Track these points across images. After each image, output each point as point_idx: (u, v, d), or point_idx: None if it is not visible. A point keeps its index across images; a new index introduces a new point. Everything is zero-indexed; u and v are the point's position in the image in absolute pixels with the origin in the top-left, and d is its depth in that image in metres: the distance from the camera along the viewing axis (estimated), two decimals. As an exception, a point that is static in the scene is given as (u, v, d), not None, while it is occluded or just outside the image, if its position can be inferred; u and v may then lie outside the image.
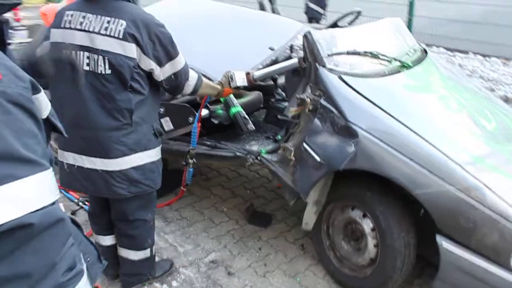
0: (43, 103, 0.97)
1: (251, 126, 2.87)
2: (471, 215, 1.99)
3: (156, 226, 3.09)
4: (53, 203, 0.88)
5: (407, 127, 2.11)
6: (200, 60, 3.11)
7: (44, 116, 0.97)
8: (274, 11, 4.58)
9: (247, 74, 2.50)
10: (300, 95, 2.29)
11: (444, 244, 2.06)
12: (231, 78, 2.46)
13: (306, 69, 2.32)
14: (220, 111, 2.95)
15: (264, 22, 3.81)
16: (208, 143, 2.86)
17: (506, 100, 5.20)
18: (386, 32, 2.92)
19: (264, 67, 2.95)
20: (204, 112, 2.85)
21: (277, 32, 3.63)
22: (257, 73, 2.52)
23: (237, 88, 2.52)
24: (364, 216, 2.33)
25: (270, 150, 2.61)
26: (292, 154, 2.39)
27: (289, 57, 3.22)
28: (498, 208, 1.99)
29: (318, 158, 2.22)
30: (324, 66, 2.26)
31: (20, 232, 0.80)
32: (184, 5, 4.00)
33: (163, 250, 2.84)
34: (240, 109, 2.89)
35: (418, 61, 2.81)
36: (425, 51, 3.06)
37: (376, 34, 2.75)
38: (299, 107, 2.31)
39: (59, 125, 1.03)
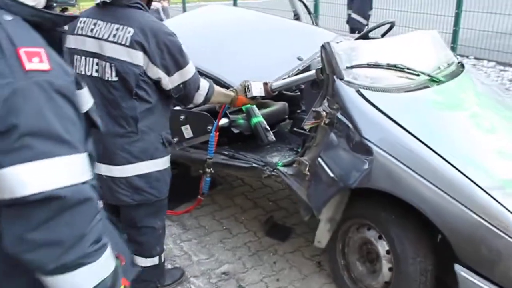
0: (85, 98, 1.12)
1: (271, 137, 2.81)
2: (494, 245, 1.83)
3: (173, 233, 3.11)
4: (84, 183, 1.00)
5: (428, 146, 1.97)
6: (225, 67, 3.11)
7: (85, 110, 1.10)
8: (312, 21, 4.49)
9: (265, 84, 2.44)
10: (316, 108, 2.21)
11: (463, 274, 1.91)
12: (248, 88, 2.41)
13: (324, 81, 2.23)
14: (241, 121, 2.92)
15: (295, 31, 3.75)
16: (226, 152, 2.83)
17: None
18: (418, 45, 2.77)
19: (289, 77, 2.91)
20: (224, 121, 2.82)
21: (308, 42, 3.56)
22: (276, 84, 2.46)
23: (253, 98, 2.47)
24: (380, 237, 2.20)
25: (287, 163, 2.53)
26: (307, 169, 2.31)
27: None
28: (526, 238, 1.83)
29: (331, 174, 2.13)
30: (341, 78, 2.16)
31: (55, 203, 0.94)
32: (216, 13, 4.02)
33: (177, 258, 2.83)
34: (261, 119, 2.84)
35: (452, 75, 2.64)
36: (462, 66, 2.88)
37: (406, 46, 2.62)
38: (315, 120, 2.22)
39: (98, 120, 1.18)
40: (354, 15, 7.13)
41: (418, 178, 1.91)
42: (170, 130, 2.93)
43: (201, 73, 2.99)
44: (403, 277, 2.06)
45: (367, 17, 7.12)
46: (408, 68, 2.36)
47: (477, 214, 1.84)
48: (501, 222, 1.83)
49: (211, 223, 3.23)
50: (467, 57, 7.24)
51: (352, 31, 7.10)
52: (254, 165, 2.65)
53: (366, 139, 2.01)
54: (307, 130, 2.33)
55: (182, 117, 2.86)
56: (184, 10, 10.41)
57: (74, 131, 0.99)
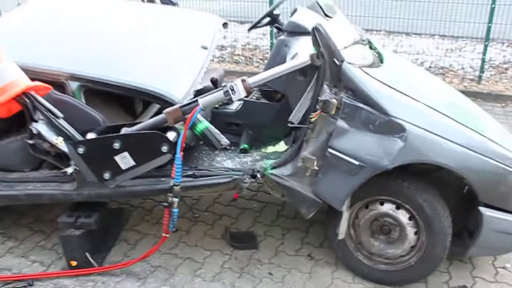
0: None
1: (225, 140, 2.47)
2: (509, 180, 2.08)
3: (134, 290, 2.52)
4: None
5: (439, 111, 2.09)
6: (132, 71, 2.56)
7: None
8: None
9: (243, 81, 2.09)
10: (323, 97, 2.04)
11: (487, 213, 2.13)
12: (232, 90, 2.03)
13: (320, 67, 2.06)
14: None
15: (174, 17, 3.32)
16: (189, 173, 2.38)
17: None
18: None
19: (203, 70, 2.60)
20: (172, 135, 2.34)
21: (196, 27, 3.19)
22: (253, 79, 2.14)
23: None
24: (397, 208, 2.25)
25: (278, 163, 2.28)
26: (315, 164, 2.13)
27: None
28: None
29: (355, 162, 2.02)
30: (343, 60, 2.03)
31: None
32: (64, 4, 3.20)
33: (166, 316, 2.30)
34: (208, 124, 2.45)
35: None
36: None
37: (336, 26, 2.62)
38: (321, 110, 2.05)
39: None
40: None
41: (446, 142, 2.03)
42: (96, 165, 2.33)
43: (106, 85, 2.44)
44: (438, 236, 2.18)
45: None
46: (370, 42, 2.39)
47: (494, 160, 2.07)
48: (510, 160, 2.10)
49: (165, 259, 2.70)
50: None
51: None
52: (234, 177, 2.31)
53: (395, 117, 1.97)
54: (310, 122, 2.11)
55: (117, 144, 2.26)
56: None
57: None
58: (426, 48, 6.52)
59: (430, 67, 5.93)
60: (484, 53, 5.37)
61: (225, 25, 3.33)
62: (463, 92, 3.23)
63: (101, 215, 2.63)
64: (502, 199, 2.11)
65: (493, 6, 5.12)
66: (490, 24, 5.16)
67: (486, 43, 5.32)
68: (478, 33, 5.78)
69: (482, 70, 5.43)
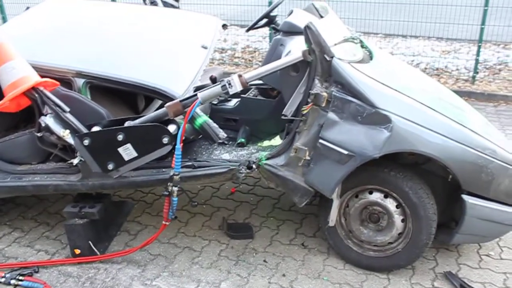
0: None
1: (223, 134, 2.60)
2: (489, 169, 2.19)
3: (134, 276, 2.63)
4: None
5: (424, 104, 2.21)
6: (136, 68, 2.69)
7: None
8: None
9: (239, 76, 2.22)
10: (314, 91, 2.16)
11: (470, 200, 2.24)
12: (229, 84, 2.16)
13: (312, 62, 2.19)
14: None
15: (173, 19, 3.45)
16: (188, 163, 2.50)
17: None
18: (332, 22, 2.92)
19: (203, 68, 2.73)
20: (173, 128, 2.47)
21: (196, 28, 3.33)
22: (249, 75, 2.26)
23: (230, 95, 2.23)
24: (385, 196, 2.36)
25: (273, 154, 2.40)
26: (307, 154, 2.25)
27: None
28: (506, 157, 2.25)
29: (344, 151, 2.14)
30: (332, 56, 2.16)
31: None
32: (71, 8, 3.34)
33: (165, 299, 2.41)
34: (207, 118, 2.59)
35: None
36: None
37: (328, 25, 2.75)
38: (312, 103, 2.18)
39: None
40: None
41: (431, 133, 2.15)
42: (100, 156, 2.45)
43: (112, 82, 2.57)
44: (424, 222, 2.29)
45: None
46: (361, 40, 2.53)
47: (475, 149, 2.19)
48: (490, 150, 2.21)
49: (164, 248, 2.82)
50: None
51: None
52: (231, 167, 2.43)
53: (381, 109, 2.10)
54: (302, 115, 2.23)
55: (121, 136, 2.39)
56: None
57: None
58: (422, 50, 6.66)
59: (425, 68, 6.06)
60: (478, 54, 5.51)
61: (224, 26, 3.48)
62: (456, 92, 3.35)
63: (104, 206, 2.75)
64: (484, 187, 2.22)
65: (485, 8, 5.28)
66: (483, 26, 5.30)
67: (480, 44, 5.45)
68: (474, 36, 5.94)
69: (476, 70, 5.56)
